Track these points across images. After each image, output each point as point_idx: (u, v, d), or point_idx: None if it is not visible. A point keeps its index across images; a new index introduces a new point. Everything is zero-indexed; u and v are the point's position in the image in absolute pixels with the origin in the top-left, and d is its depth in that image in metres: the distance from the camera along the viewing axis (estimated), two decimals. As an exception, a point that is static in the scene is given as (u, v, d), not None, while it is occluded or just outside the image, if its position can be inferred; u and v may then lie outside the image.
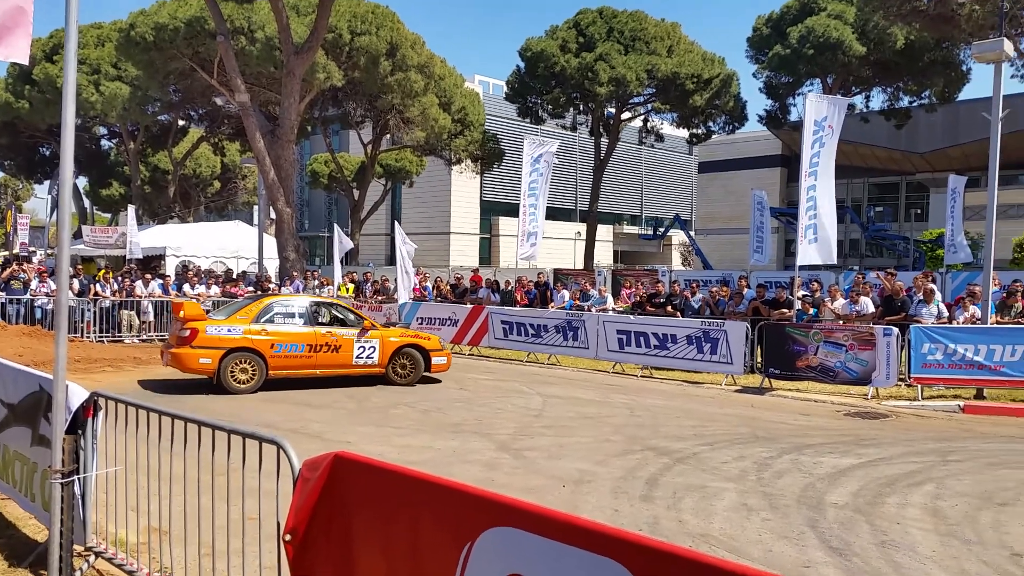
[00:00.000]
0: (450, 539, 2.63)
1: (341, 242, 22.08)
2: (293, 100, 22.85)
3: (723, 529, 5.70)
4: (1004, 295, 13.32)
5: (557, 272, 26.16)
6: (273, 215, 24.09)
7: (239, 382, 11.39)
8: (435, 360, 12.90)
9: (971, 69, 31.15)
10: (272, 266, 24.66)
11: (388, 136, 37.30)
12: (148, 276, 19.52)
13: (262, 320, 11.84)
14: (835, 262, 14.06)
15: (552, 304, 17.42)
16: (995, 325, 11.95)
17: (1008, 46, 11.41)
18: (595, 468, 7.39)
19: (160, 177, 42.32)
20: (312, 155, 48.57)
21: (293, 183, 24.04)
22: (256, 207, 29.41)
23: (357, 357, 12.20)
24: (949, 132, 40.51)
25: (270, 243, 24.66)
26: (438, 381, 13.12)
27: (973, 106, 31.83)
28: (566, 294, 17.91)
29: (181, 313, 11.69)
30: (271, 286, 20.98)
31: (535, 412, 10.35)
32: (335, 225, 24.95)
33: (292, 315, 12.16)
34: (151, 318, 18.44)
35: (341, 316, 12.63)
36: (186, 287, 19.08)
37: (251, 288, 20.54)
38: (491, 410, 10.47)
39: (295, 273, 22.33)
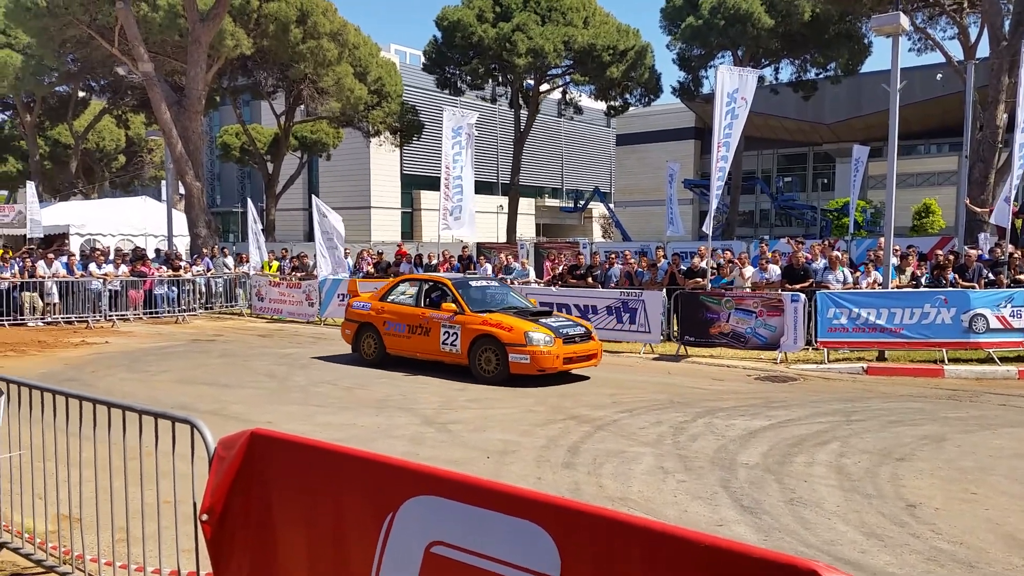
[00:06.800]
0: (371, 511, 2.63)
1: (256, 219, 21.49)
2: (200, 69, 21.98)
3: (641, 492, 5.88)
4: (899, 260, 14.08)
5: (480, 246, 26.14)
6: (182, 190, 23.22)
7: (366, 356, 12.09)
8: (513, 358, 10.17)
9: (872, 42, 32.35)
10: (183, 243, 23.82)
11: (302, 107, 36.29)
12: (51, 256, 18.56)
13: (389, 296, 12.07)
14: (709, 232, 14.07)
15: (474, 278, 17.39)
16: (895, 289, 12.61)
17: (904, 20, 11.92)
18: (519, 438, 7.49)
19: (61, 152, 40.07)
20: (222, 127, 46.79)
21: (202, 156, 23.21)
22: (164, 182, 28.24)
23: (443, 343, 10.99)
24: (853, 103, 42.07)
25: (180, 219, 23.78)
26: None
27: (875, 78, 33.11)
28: (488, 268, 17.93)
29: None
30: (182, 264, 20.29)
31: (459, 387, 10.38)
32: (249, 200, 24.25)
33: (413, 293, 11.85)
34: (56, 299, 17.57)
35: (457, 297, 11.00)
36: (92, 266, 18.24)
37: (164, 267, 19.81)
38: (416, 385, 10.45)
39: (206, 250, 21.64)
